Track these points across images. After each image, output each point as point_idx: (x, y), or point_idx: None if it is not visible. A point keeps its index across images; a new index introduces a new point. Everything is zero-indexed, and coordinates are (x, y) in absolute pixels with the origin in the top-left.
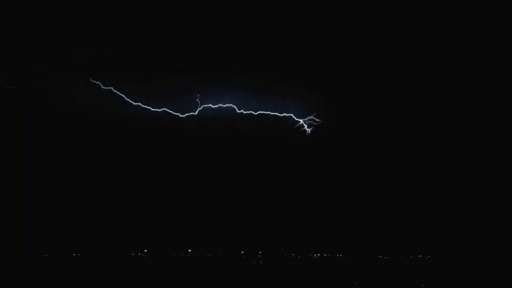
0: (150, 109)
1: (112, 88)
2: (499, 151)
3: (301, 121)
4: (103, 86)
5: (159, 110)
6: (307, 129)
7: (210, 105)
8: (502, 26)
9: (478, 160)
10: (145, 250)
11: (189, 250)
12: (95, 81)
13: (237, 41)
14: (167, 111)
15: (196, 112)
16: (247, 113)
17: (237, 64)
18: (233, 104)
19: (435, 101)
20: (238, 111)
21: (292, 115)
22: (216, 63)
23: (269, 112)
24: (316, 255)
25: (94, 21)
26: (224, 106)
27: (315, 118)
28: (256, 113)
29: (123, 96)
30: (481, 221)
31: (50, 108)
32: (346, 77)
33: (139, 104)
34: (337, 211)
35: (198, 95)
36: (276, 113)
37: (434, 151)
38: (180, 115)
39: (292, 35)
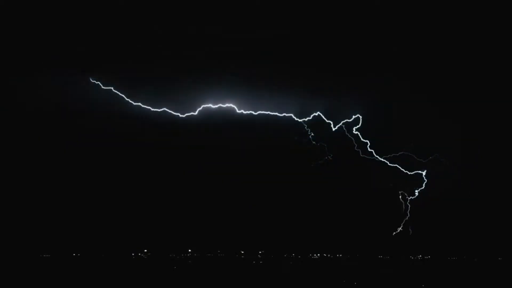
0: (150, 109)
1: (112, 88)
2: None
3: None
4: (103, 86)
5: (159, 110)
6: (307, 129)
7: (210, 105)
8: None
9: (478, 161)
10: (145, 250)
11: (189, 250)
12: (95, 81)
13: (238, 42)
14: (167, 111)
15: (196, 112)
16: (247, 113)
17: (237, 64)
18: (233, 104)
19: (435, 101)
20: (238, 111)
21: (292, 115)
22: (216, 63)
23: (269, 112)
24: (316, 255)
25: (94, 21)
26: (224, 106)
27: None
28: (256, 113)
29: (123, 96)
30: (481, 221)
31: (50, 108)
32: (346, 77)
33: (139, 104)
34: (337, 211)
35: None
36: (276, 113)
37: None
38: (180, 115)
39: (292, 35)
